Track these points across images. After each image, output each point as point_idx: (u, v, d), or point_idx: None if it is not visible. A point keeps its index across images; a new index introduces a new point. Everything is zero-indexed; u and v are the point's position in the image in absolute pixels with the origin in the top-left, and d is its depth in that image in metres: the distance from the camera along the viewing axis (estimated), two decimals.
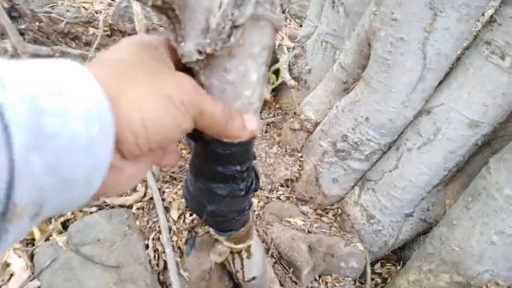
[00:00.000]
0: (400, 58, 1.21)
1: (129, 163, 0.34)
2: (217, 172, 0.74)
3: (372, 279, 1.64)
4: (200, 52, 0.52)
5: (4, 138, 0.20)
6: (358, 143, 1.44)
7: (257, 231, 1.35)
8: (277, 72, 0.75)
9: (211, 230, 0.97)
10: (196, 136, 0.69)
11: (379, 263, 1.71)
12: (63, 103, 0.24)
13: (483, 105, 1.19)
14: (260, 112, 1.93)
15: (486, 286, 1.27)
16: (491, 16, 1.17)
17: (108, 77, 0.32)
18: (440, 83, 1.30)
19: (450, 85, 1.26)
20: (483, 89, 1.18)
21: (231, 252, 1.03)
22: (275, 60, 1.89)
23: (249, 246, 1.03)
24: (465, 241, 1.29)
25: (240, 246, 1.00)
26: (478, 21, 1.24)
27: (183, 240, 1.10)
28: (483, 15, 1.60)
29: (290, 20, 2.94)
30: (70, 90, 0.25)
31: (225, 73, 0.58)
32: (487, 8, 1.36)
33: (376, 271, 1.68)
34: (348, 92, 1.45)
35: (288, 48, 2.08)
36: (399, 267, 1.66)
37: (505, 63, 1.12)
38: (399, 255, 1.74)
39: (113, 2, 1.85)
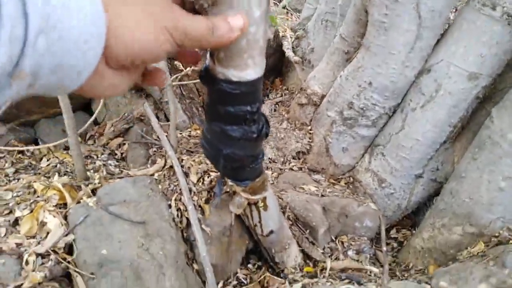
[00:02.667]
0: (396, 19, 1.28)
1: (112, 71, 0.39)
2: (229, 113, 0.82)
3: (388, 243, 1.69)
4: None
5: (23, 21, 0.27)
6: (364, 108, 1.50)
7: None
8: (273, 17, 0.83)
9: (229, 181, 1.04)
10: (207, 78, 0.77)
11: (394, 229, 1.75)
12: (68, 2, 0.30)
13: (480, 56, 1.25)
14: (268, 95, 2.02)
15: (499, 233, 1.31)
16: None
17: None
18: (438, 41, 1.36)
19: (447, 41, 1.32)
20: (478, 40, 1.24)
21: (249, 204, 1.10)
22: (276, 44, 1.98)
23: (265, 198, 1.09)
24: (474, 192, 1.33)
25: (257, 196, 1.07)
26: None
27: (203, 199, 1.17)
28: None
29: (291, 14, 3.03)
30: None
31: (231, 10, 0.66)
32: None
33: (392, 236, 1.72)
34: (350, 61, 1.51)
35: (291, 35, 2.16)
36: (415, 230, 1.70)
37: (496, 12, 1.17)
38: (413, 220, 1.78)
39: None
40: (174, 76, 1.33)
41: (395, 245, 1.69)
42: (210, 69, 0.77)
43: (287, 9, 3.10)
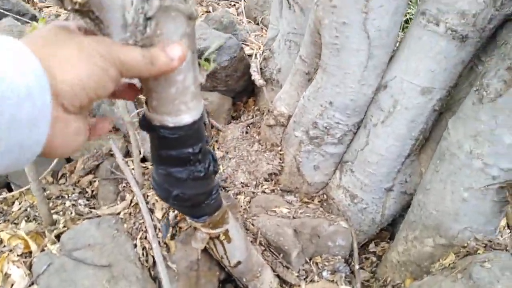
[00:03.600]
0: (346, 41, 1.30)
1: (73, 116, 0.40)
2: (172, 157, 0.84)
3: (367, 258, 1.70)
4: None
5: None
6: (328, 127, 1.52)
7: (244, 223, 1.43)
8: (208, 59, 0.85)
9: (188, 219, 1.05)
10: (146, 125, 0.79)
11: (373, 243, 1.76)
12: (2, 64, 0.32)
13: (430, 71, 1.27)
14: (239, 117, 2.04)
15: (467, 244, 1.32)
16: None
17: (37, 46, 0.39)
18: (392, 57, 1.39)
19: (399, 58, 1.35)
20: (426, 56, 1.26)
21: (211, 238, 1.11)
22: (245, 66, 2.01)
23: (226, 231, 1.11)
24: (440, 203, 1.34)
25: (217, 230, 1.08)
26: None
27: (169, 235, 1.18)
28: None
29: (265, 30, 3.08)
30: (5, 55, 0.33)
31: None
32: None
33: (370, 250, 1.73)
34: (311, 82, 1.54)
35: (260, 54, 2.19)
36: (391, 243, 1.71)
37: (440, 28, 1.20)
38: (391, 232, 1.79)
39: None
40: (136, 112, 1.35)
41: (374, 259, 1.69)
42: (148, 116, 0.79)
43: (261, 26, 3.15)
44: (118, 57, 0.45)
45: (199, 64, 0.79)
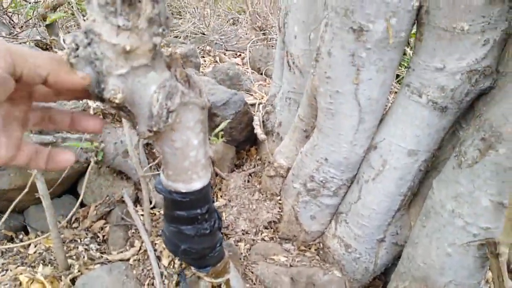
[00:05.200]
0: (340, 107, 1.46)
1: None
2: (183, 217, 0.97)
3: None
4: (150, 131, 0.77)
5: None
6: (324, 181, 1.65)
7: (244, 270, 1.53)
8: (217, 135, 1.00)
9: (192, 269, 1.16)
10: (162, 189, 0.93)
11: None
12: None
13: (415, 136, 1.41)
14: (242, 165, 2.17)
15: None
16: (408, 65, 1.44)
17: None
18: (381, 121, 1.53)
19: (387, 123, 1.49)
20: (412, 123, 1.41)
21: (213, 287, 1.21)
22: (249, 119, 2.16)
23: (228, 280, 1.21)
24: (427, 257, 1.44)
25: (219, 280, 1.18)
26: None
27: (174, 282, 1.28)
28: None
29: (269, 80, 3.28)
30: None
31: (172, 142, 0.83)
32: None
33: None
34: (309, 139, 1.68)
35: (263, 106, 2.36)
36: None
37: (422, 100, 1.36)
38: (384, 280, 1.87)
39: None
40: (149, 166, 1.49)
41: None
42: (164, 183, 0.93)
43: (265, 77, 3.35)
44: (13, 60, 0.39)
45: (209, 139, 0.94)
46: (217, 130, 0.95)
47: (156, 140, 0.83)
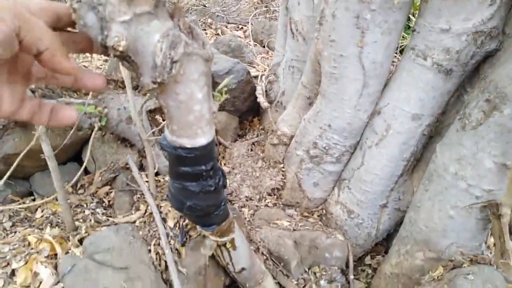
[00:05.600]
0: (344, 71, 1.45)
1: None
2: (187, 172, 0.98)
3: (363, 270, 1.80)
4: (153, 82, 0.77)
5: None
6: (327, 147, 1.65)
7: (248, 234, 1.55)
8: (221, 91, 0.99)
9: (198, 227, 1.18)
10: (166, 145, 0.93)
11: (368, 256, 1.86)
12: None
13: (420, 99, 1.41)
14: (245, 135, 2.18)
15: (454, 258, 1.43)
16: (413, 27, 1.42)
17: None
18: (385, 86, 1.52)
19: (391, 87, 1.48)
20: (416, 86, 1.40)
21: (218, 246, 1.23)
22: (251, 88, 2.16)
23: (232, 239, 1.23)
24: (429, 220, 1.46)
25: (224, 239, 1.20)
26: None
27: (180, 243, 1.31)
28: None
29: (271, 52, 3.24)
30: None
31: (176, 95, 0.83)
32: None
33: (366, 263, 1.84)
34: (312, 105, 1.68)
35: (266, 77, 2.34)
36: (385, 256, 1.81)
37: (427, 62, 1.34)
38: (386, 246, 1.90)
39: (108, 58, 2.16)
40: (152, 131, 1.49)
41: (369, 271, 1.80)
42: (168, 138, 0.93)
43: (267, 49, 3.32)
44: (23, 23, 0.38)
45: (213, 96, 0.93)
46: (220, 85, 0.95)
47: (160, 93, 0.83)
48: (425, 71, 1.36)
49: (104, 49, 0.72)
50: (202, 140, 0.93)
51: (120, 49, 0.70)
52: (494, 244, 1.47)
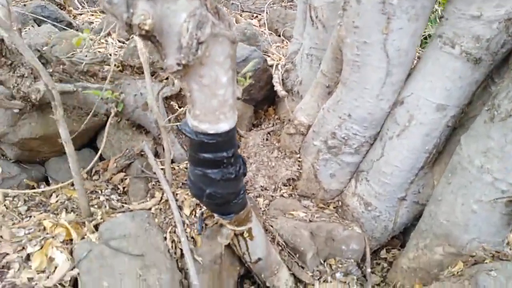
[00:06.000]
0: (367, 58, 1.40)
1: None
2: (209, 159, 0.95)
3: (379, 263, 1.77)
4: (178, 64, 0.74)
5: None
6: (346, 138, 1.61)
7: (263, 224, 1.53)
8: (245, 76, 0.96)
9: (215, 215, 1.15)
10: (188, 131, 0.91)
11: (384, 250, 1.83)
12: None
13: (446, 89, 1.36)
14: (260, 124, 2.14)
15: (475, 253, 1.39)
16: (441, 13, 1.36)
17: None
18: (409, 75, 1.47)
19: (416, 76, 1.43)
20: (442, 75, 1.35)
21: (235, 235, 1.21)
22: (268, 77, 2.12)
23: (250, 229, 1.21)
24: (450, 214, 1.42)
25: (242, 228, 1.18)
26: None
27: (195, 231, 1.29)
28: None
29: (286, 41, 3.19)
30: None
31: (201, 78, 0.80)
32: None
33: (382, 256, 1.81)
34: (331, 95, 1.64)
35: (282, 66, 2.30)
36: (402, 250, 1.78)
37: (455, 50, 1.29)
38: (402, 240, 1.86)
39: (124, 44, 2.14)
40: (168, 118, 1.47)
41: (385, 265, 1.77)
42: (190, 123, 0.90)
43: (282, 38, 3.26)
44: None
45: (237, 81, 0.90)
46: (245, 69, 0.91)
47: (183, 75, 0.80)
48: (453, 60, 1.31)
49: (129, 28, 0.69)
50: (224, 125, 0.90)
51: (146, 28, 0.67)
52: None
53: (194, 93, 0.83)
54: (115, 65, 1.48)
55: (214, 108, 0.86)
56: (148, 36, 0.71)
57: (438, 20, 1.37)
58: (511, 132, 1.21)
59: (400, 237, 1.86)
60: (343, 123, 1.59)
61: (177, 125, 1.67)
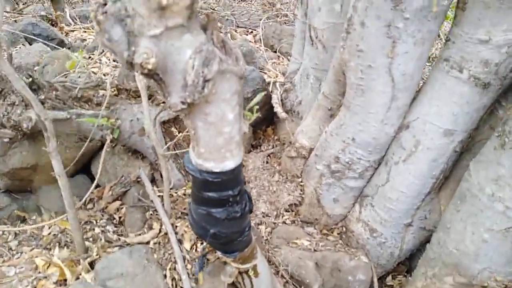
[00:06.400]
0: (371, 83, 1.36)
1: None
2: (213, 198, 0.89)
3: None
4: (183, 103, 0.69)
5: None
6: (350, 162, 1.57)
7: (266, 254, 1.46)
8: (252, 110, 0.91)
9: (219, 253, 1.09)
10: (191, 169, 0.85)
11: (390, 276, 1.77)
12: None
13: (453, 114, 1.32)
14: (260, 145, 2.09)
15: (487, 283, 1.34)
16: (447, 36, 1.33)
17: None
18: (414, 99, 1.44)
19: (421, 100, 1.40)
20: (449, 100, 1.31)
21: (240, 273, 1.14)
22: (267, 97, 2.07)
23: (255, 266, 1.14)
24: (460, 242, 1.37)
25: (247, 265, 1.12)
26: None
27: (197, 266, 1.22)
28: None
29: (283, 58, 3.16)
30: None
31: (206, 116, 0.75)
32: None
33: (387, 283, 1.75)
34: (334, 118, 1.59)
35: (280, 84, 2.26)
36: (409, 278, 1.72)
37: (463, 75, 1.26)
38: (408, 266, 1.81)
39: (118, 64, 2.08)
40: (167, 146, 1.41)
41: None
42: (194, 161, 0.85)
43: (278, 54, 3.24)
44: None
45: (243, 115, 0.85)
46: (252, 103, 0.86)
47: (188, 113, 0.75)
48: (461, 84, 1.27)
49: (130, 66, 0.64)
50: (230, 163, 0.85)
51: (149, 67, 0.62)
52: None
53: (199, 131, 0.78)
54: (110, 89, 1.42)
55: (220, 146, 0.81)
56: (151, 75, 0.65)
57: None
58: None
59: (406, 263, 1.81)
60: (346, 147, 1.54)
61: (176, 153, 1.62)
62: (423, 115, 1.39)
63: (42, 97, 1.27)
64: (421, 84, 1.45)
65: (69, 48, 2.39)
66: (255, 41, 3.46)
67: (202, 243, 1.27)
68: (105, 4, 0.57)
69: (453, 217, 1.39)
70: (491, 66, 1.21)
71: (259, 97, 0.96)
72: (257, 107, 0.89)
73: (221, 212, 0.92)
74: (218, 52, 0.68)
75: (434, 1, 1.15)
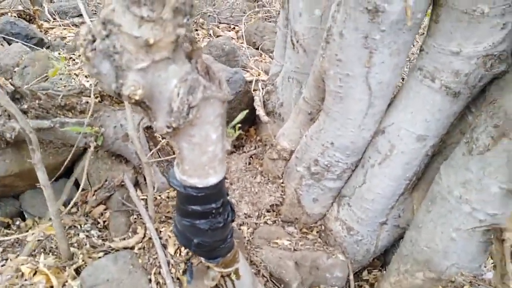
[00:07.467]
0: (349, 91, 1.41)
1: None
2: (197, 211, 0.94)
3: (361, 286, 1.80)
4: (168, 127, 0.72)
5: None
6: (329, 165, 1.63)
7: (248, 254, 1.52)
8: (234, 127, 0.95)
9: (202, 259, 1.14)
10: (176, 184, 0.89)
11: (366, 271, 1.86)
12: None
13: (426, 121, 1.39)
14: (243, 146, 2.13)
15: (454, 278, 1.43)
16: (421, 47, 1.39)
17: None
18: (390, 105, 1.50)
19: (397, 107, 1.46)
20: (423, 108, 1.38)
21: (222, 276, 1.19)
22: (249, 99, 2.11)
23: (237, 269, 1.20)
24: (430, 241, 1.46)
25: (229, 269, 1.17)
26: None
27: (181, 271, 1.26)
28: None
29: (265, 55, 3.19)
30: None
31: (191, 138, 0.79)
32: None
33: (363, 278, 1.84)
34: (314, 122, 1.65)
35: (263, 82, 2.29)
36: (384, 272, 1.82)
37: (435, 84, 1.32)
38: (383, 261, 1.90)
39: None
40: (151, 153, 1.43)
41: (367, 287, 1.80)
42: (179, 178, 0.88)
43: (260, 52, 3.26)
44: None
45: (226, 133, 0.89)
46: (234, 121, 0.90)
47: (173, 135, 0.78)
48: (433, 93, 1.34)
49: (118, 96, 0.67)
50: (213, 179, 0.89)
51: (136, 98, 0.65)
52: (494, 267, 1.49)
53: (183, 151, 0.81)
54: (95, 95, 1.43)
55: (204, 164, 0.84)
56: (138, 103, 0.68)
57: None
58: (489, 166, 1.25)
59: (381, 258, 1.90)
60: (325, 150, 1.60)
61: (160, 160, 1.64)
62: (398, 121, 1.45)
63: (25, 106, 1.27)
64: (396, 90, 1.52)
65: (48, 47, 2.35)
66: (237, 38, 3.47)
67: (185, 249, 1.31)
68: (94, 41, 0.59)
69: (424, 217, 1.48)
70: (461, 76, 1.28)
71: (241, 115, 1.00)
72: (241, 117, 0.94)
73: (205, 223, 0.96)
74: (202, 80, 0.71)
75: (408, 15, 1.20)
